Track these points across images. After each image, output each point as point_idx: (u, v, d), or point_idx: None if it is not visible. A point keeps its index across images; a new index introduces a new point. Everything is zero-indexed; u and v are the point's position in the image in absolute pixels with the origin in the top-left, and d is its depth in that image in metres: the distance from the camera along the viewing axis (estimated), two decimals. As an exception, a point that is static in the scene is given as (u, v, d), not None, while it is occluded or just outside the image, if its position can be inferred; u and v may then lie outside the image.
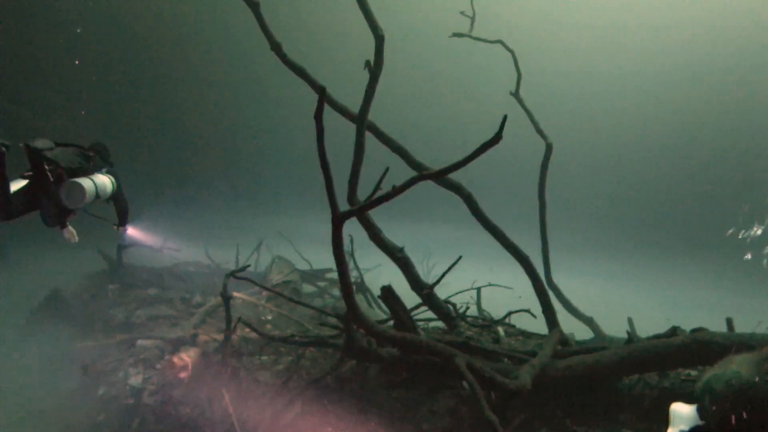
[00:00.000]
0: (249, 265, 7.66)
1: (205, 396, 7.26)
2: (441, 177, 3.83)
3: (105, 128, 25.92)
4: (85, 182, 6.26)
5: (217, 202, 35.22)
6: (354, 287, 12.76)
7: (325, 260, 17.50)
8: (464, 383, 5.80)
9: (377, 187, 4.91)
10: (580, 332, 9.03)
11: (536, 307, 8.15)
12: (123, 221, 7.46)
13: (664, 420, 4.93)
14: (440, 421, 5.68)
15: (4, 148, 5.49)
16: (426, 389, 6.07)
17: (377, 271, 14.53)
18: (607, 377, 5.56)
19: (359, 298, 12.67)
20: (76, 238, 6.79)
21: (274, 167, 39.66)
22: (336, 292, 16.20)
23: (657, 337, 5.69)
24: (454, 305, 7.18)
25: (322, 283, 16.01)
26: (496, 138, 3.50)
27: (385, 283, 5.93)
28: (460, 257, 6.24)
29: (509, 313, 7.21)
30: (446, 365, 5.11)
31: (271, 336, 6.14)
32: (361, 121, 6.61)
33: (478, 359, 5.67)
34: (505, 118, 3.49)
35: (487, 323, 7.01)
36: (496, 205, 6.77)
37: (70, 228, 6.71)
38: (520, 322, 7.90)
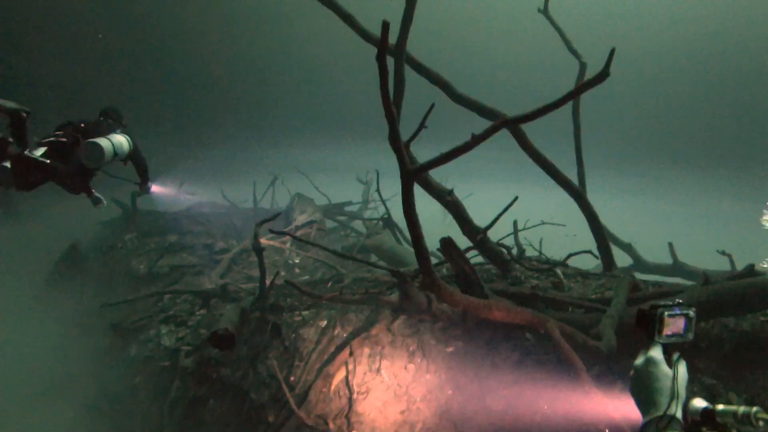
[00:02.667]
0: (280, 213, 7.18)
1: (247, 356, 6.88)
2: (531, 120, 3.27)
3: (100, 74, 25.19)
4: (103, 141, 6.22)
5: (223, 138, 34.60)
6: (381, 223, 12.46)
7: (342, 192, 17.10)
8: (528, 335, 5.39)
9: (422, 125, 4.47)
10: (619, 257, 8.57)
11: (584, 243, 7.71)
12: (144, 179, 7.41)
13: (747, 365, 4.48)
14: (505, 375, 5.26)
15: (25, 114, 5.56)
16: (484, 341, 5.64)
17: (396, 200, 14.06)
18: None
19: (387, 235, 12.21)
20: (104, 202, 6.93)
21: (281, 100, 38.77)
22: (357, 226, 15.78)
23: (733, 278, 5.21)
24: (508, 248, 6.68)
25: (342, 218, 15.55)
26: (603, 74, 2.96)
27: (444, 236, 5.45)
28: (516, 198, 5.71)
29: (570, 255, 6.71)
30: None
31: (318, 295, 5.68)
32: (399, 50, 5.98)
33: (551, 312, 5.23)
34: (612, 51, 2.96)
35: (546, 266, 6.51)
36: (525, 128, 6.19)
37: (96, 194, 6.79)
38: (572, 260, 7.43)
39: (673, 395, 1.91)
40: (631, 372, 2.12)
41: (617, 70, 3.03)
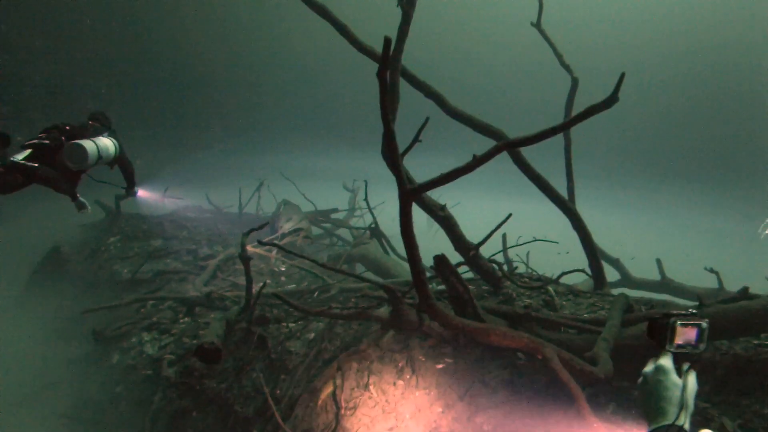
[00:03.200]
0: (267, 223, 7.07)
1: (232, 368, 6.77)
2: (531, 144, 3.22)
3: (87, 75, 24.95)
4: (86, 143, 6.15)
5: (210, 142, 34.39)
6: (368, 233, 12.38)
7: (327, 199, 17.01)
8: (519, 354, 5.31)
9: (416, 139, 4.43)
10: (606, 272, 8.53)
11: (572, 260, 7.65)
12: (131, 184, 7.32)
13: (742, 389, 4.42)
14: (496, 394, 5.18)
15: None
16: (474, 359, 5.57)
17: (382, 208, 13.93)
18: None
19: (374, 245, 12.13)
20: (89, 208, 6.95)
21: (268, 104, 38.63)
22: (343, 234, 15.70)
23: (726, 301, 5.17)
24: (499, 264, 6.61)
25: (327, 225, 15.46)
26: (612, 99, 2.92)
27: (437, 252, 5.38)
28: (509, 215, 5.65)
29: (563, 274, 6.64)
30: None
31: (306, 310, 5.57)
32: (394, 64, 5.91)
33: (538, 330, 5.17)
34: (622, 76, 2.91)
35: (539, 284, 6.45)
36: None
37: (81, 198, 6.81)
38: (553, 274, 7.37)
39: (682, 405, 1.89)
40: (639, 379, 2.08)
41: (611, 81, 2.98)
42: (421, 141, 4.19)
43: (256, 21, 31.08)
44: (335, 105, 39.10)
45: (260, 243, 6.04)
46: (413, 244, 3.61)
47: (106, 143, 6.53)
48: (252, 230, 7.39)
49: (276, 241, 12.52)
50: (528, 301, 6.14)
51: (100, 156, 6.33)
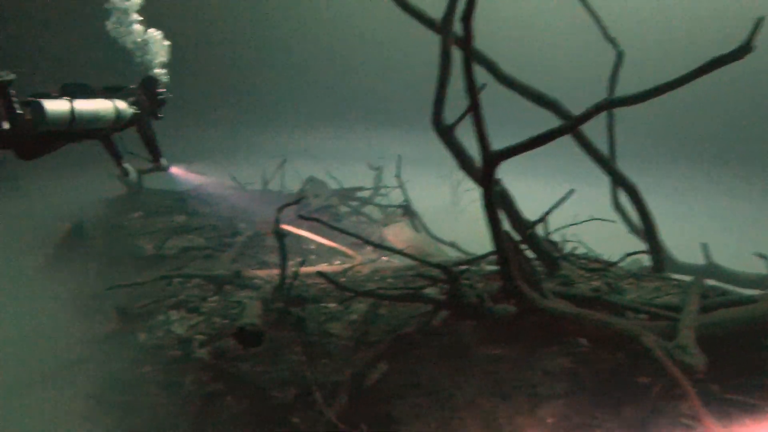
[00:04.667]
0: (303, 197, 6.71)
1: (268, 350, 6.38)
2: (638, 102, 2.81)
3: (101, 49, 24.51)
4: (49, 102, 5.50)
5: (231, 118, 34.04)
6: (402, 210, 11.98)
7: (349, 178, 16.61)
8: (581, 340, 4.90)
9: (469, 108, 4.00)
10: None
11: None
12: (154, 155, 6.92)
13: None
14: (558, 384, 4.76)
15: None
16: (530, 345, 5.15)
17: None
18: (758, 334, 4.59)
19: (404, 222, 11.75)
20: (133, 176, 7.17)
21: (282, 80, 38.17)
22: (371, 212, 15.32)
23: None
24: (556, 244, 6.19)
25: (354, 203, 15.06)
26: (745, 48, 2.47)
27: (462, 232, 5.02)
28: (571, 190, 5.22)
29: (627, 255, 6.21)
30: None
31: (353, 290, 5.20)
32: (446, 26, 5.47)
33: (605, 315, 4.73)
34: (758, 22, 2.47)
35: (600, 266, 6.02)
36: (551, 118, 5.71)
37: (126, 165, 6.91)
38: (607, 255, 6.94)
39: None
40: None
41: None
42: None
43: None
44: (357, 84, 38.60)
45: (301, 218, 5.63)
46: (496, 215, 3.20)
47: (95, 106, 5.98)
48: (287, 205, 7.04)
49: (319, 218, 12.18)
50: (595, 283, 5.72)
51: (73, 118, 5.65)
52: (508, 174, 5.26)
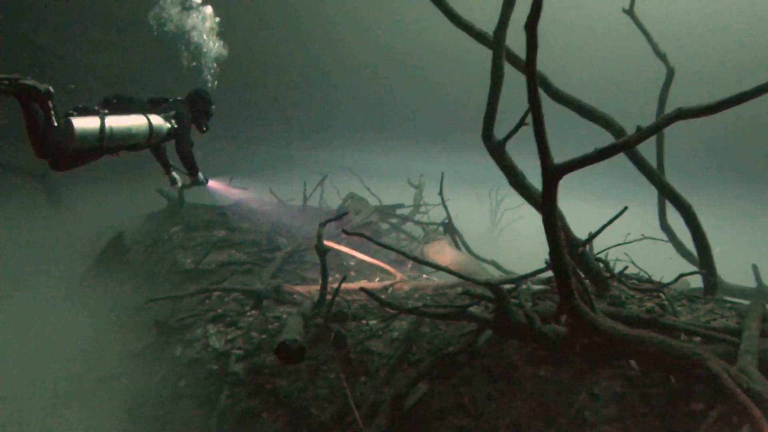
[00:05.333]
0: (347, 213, 6.58)
1: (306, 367, 6.25)
2: (711, 113, 2.64)
3: (146, 66, 24.95)
4: (80, 120, 5.44)
5: (270, 137, 34.23)
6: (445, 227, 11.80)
7: (389, 196, 16.51)
8: (631, 362, 4.67)
9: (521, 123, 4.08)
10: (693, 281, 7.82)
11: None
12: (190, 170, 6.91)
13: None
14: (605, 408, 4.54)
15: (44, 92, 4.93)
16: (578, 368, 4.93)
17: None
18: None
19: (446, 240, 11.57)
20: (179, 183, 7.04)
21: (327, 99, 38.34)
22: (410, 227, 15.18)
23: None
24: (606, 263, 5.96)
25: (394, 220, 14.92)
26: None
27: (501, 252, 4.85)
28: (625, 208, 5.01)
29: (680, 276, 5.96)
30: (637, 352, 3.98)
31: (397, 306, 5.04)
32: (498, 41, 5.32)
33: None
34: None
35: (651, 287, 5.78)
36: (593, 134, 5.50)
37: (174, 174, 6.97)
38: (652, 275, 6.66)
39: None
40: None
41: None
42: (527, 125, 3.69)
43: (320, 17, 30.75)
44: (397, 103, 38.62)
45: (345, 232, 5.48)
46: (557, 231, 3.02)
47: (129, 123, 5.91)
48: (329, 220, 6.93)
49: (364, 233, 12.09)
50: (649, 304, 5.48)
51: (102, 135, 5.57)
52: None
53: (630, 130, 5.72)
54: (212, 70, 7.57)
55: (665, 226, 9.27)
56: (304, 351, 5.24)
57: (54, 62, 20.49)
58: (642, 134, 2.74)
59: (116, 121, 5.70)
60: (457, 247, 11.53)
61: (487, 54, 5.64)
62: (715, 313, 5.43)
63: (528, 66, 2.62)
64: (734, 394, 3.15)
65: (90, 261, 12.29)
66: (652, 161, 7.05)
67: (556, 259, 3.14)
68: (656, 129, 2.76)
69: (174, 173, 7.07)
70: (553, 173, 2.90)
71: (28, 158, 5.96)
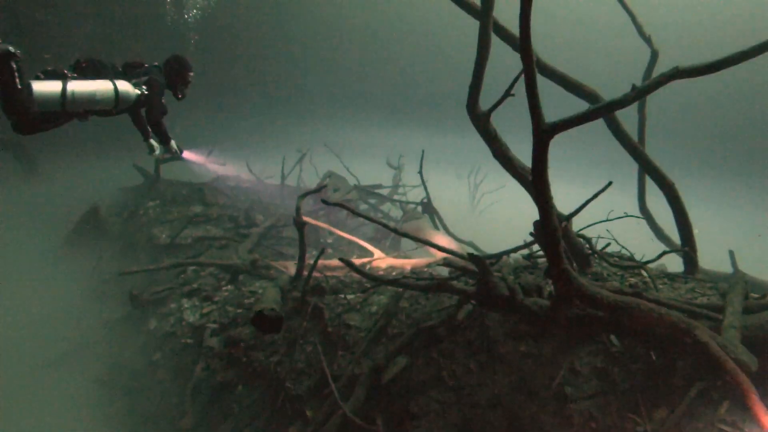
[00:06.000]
0: (325, 185, 6.49)
1: (283, 340, 6.17)
2: (713, 72, 2.58)
3: (128, 37, 24.62)
4: (40, 83, 5.38)
5: (249, 110, 33.92)
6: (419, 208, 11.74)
7: (366, 174, 16.40)
8: (612, 337, 4.64)
9: (507, 93, 4.07)
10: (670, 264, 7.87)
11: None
12: (161, 138, 6.74)
13: None
14: (586, 384, 4.51)
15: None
16: (559, 342, 4.89)
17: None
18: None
19: (424, 219, 11.51)
20: (158, 153, 6.99)
21: (308, 73, 38.02)
22: (388, 208, 15.09)
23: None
24: (588, 240, 5.91)
25: (372, 200, 14.81)
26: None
27: (479, 234, 4.79)
28: (609, 182, 4.94)
29: (663, 254, 5.94)
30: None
31: (377, 278, 4.96)
32: (485, 9, 5.22)
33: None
34: None
35: (633, 264, 5.75)
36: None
37: (152, 141, 6.84)
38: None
39: None
40: None
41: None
42: (513, 95, 3.92)
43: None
44: (376, 78, 38.45)
45: (324, 202, 5.38)
46: (547, 192, 2.94)
47: (92, 87, 5.76)
48: (308, 193, 6.85)
49: (322, 211, 12.01)
50: (631, 280, 5.45)
51: (64, 100, 5.48)
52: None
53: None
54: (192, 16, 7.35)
55: (644, 209, 9.25)
56: (281, 320, 5.16)
57: (34, 29, 20.17)
58: (638, 93, 2.67)
59: (79, 86, 5.58)
60: (436, 227, 11.48)
61: (470, 32, 5.56)
62: (696, 291, 5.42)
63: (522, 14, 2.53)
64: (722, 362, 3.11)
65: (65, 232, 12.11)
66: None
67: (546, 222, 3.07)
68: (652, 88, 2.70)
69: (152, 141, 6.92)
70: (545, 132, 2.82)
71: (2, 128, 5.84)
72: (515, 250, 5.72)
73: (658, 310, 3.45)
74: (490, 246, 10.86)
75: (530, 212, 5.42)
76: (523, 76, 2.78)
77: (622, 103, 2.71)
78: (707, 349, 3.17)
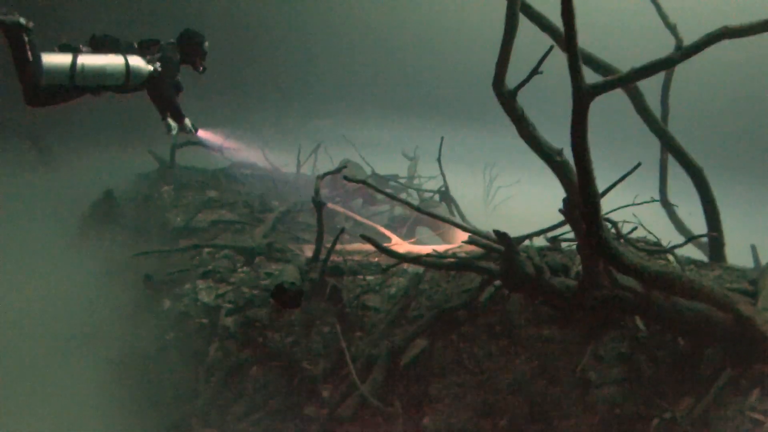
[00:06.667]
0: (345, 166, 6.39)
1: (300, 321, 6.08)
2: (758, 33, 2.45)
3: (140, 30, 24.52)
4: (50, 56, 5.35)
5: (266, 103, 33.84)
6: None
7: (385, 167, 16.30)
8: (639, 322, 4.52)
9: (535, 70, 3.92)
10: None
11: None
12: (174, 116, 6.57)
13: None
14: (610, 370, 4.39)
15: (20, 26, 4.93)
16: (585, 327, 4.77)
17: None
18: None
19: (442, 208, 11.40)
20: (174, 131, 6.51)
21: (327, 67, 37.95)
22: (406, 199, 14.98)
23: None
24: (615, 224, 5.77)
25: (389, 190, 14.67)
26: None
27: (495, 227, 4.69)
28: (639, 164, 4.81)
29: (691, 239, 5.79)
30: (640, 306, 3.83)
31: (399, 255, 4.86)
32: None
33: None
34: None
35: (659, 249, 5.61)
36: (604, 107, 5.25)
37: (169, 120, 6.42)
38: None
39: None
40: None
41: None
42: (541, 72, 3.82)
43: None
44: (392, 73, 38.36)
45: (345, 179, 5.29)
46: (587, 157, 2.82)
47: (102, 61, 5.69)
48: (327, 174, 6.75)
49: (338, 198, 11.94)
50: (661, 263, 5.32)
51: (73, 72, 5.44)
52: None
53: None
54: None
55: (665, 202, 9.10)
56: (302, 294, 5.08)
57: (39, 12, 20.17)
58: (684, 52, 2.55)
59: (89, 59, 5.53)
60: (452, 215, 11.36)
61: (486, 26, 5.43)
62: (723, 278, 5.28)
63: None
64: (766, 338, 2.98)
65: (80, 217, 12.08)
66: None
67: (586, 189, 2.94)
68: (700, 47, 2.58)
69: (170, 120, 6.80)
70: (585, 94, 2.70)
71: (21, 115, 5.84)
72: (542, 232, 5.59)
73: (700, 282, 3.32)
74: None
75: (544, 207, 5.29)
76: (560, 44, 2.67)
77: (667, 62, 2.60)
78: (751, 323, 3.04)
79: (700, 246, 5.90)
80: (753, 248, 9.80)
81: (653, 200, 6.04)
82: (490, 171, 23.52)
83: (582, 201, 2.98)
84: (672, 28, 8.00)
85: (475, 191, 25.18)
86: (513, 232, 4.90)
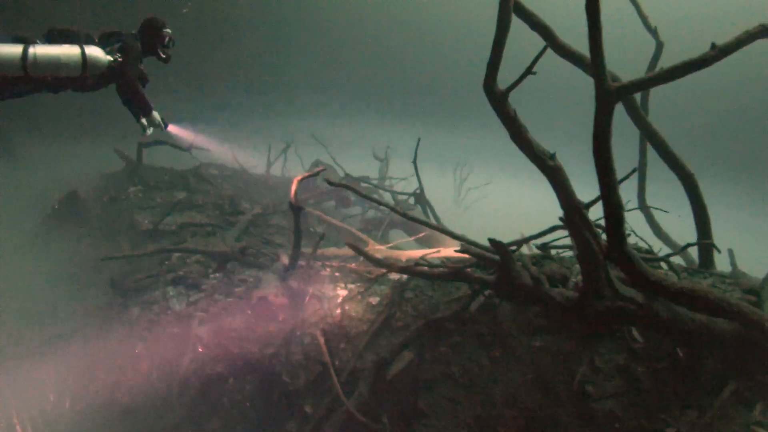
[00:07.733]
0: (324, 168, 6.15)
1: (277, 331, 5.81)
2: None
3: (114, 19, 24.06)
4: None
5: (233, 99, 33.44)
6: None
7: (355, 167, 16.11)
8: (635, 333, 4.35)
9: (529, 70, 3.75)
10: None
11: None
12: (141, 108, 6.35)
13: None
14: (608, 382, 4.21)
15: None
16: (579, 337, 4.59)
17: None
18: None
19: (417, 212, 11.22)
20: (149, 132, 6.45)
21: (295, 64, 37.59)
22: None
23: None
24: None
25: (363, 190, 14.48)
26: None
27: (466, 229, 4.53)
28: (634, 170, 4.66)
29: (687, 246, 5.69)
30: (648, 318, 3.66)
31: (388, 264, 4.63)
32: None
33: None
34: None
35: (654, 257, 5.47)
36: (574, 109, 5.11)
37: (143, 120, 6.38)
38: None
39: None
40: None
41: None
42: (535, 73, 3.67)
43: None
44: (361, 69, 38.16)
45: (329, 183, 5.05)
46: (610, 163, 2.62)
47: (56, 52, 5.49)
48: (306, 176, 6.48)
49: (309, 203, 11.70)
50: (659, 271, 5.16)
51: (25, 63, 5.23)
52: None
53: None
54: None
55: (643, 205, 9.03)
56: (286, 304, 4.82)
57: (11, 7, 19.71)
58: (720, 52, 2.37)
59: (42, 49, 5.29)
60: (428, 218, 11.19)
61: (462, 27, 5.23)
62: (717, 286, 5.16)
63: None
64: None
65: (42, 218, 11.67)
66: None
67: (609, 197, 2.74)
68: (737, 46, 2.40)
69: (144, 121, 6.49)
70: (609, 95, 2.49)
71: None
72: (538, 236, 5.42)
73: (728, 298, 3.14)
74: (478, 241, 10.61)
75: (518, 209, 5.11)
76: (586, 38, 2.45)
77: (702, 63, 2.41)
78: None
79: (680, 252, 5.78)
80: (730, 252, 9.77)
81: (650, 207, 5.92)
82: (461, 171, 23.56)
83: (604, 212, 2.77)
84: (653, 32, 7.91)
85: (446, 192, 25.20)
86: (484, 234, 4.73)
